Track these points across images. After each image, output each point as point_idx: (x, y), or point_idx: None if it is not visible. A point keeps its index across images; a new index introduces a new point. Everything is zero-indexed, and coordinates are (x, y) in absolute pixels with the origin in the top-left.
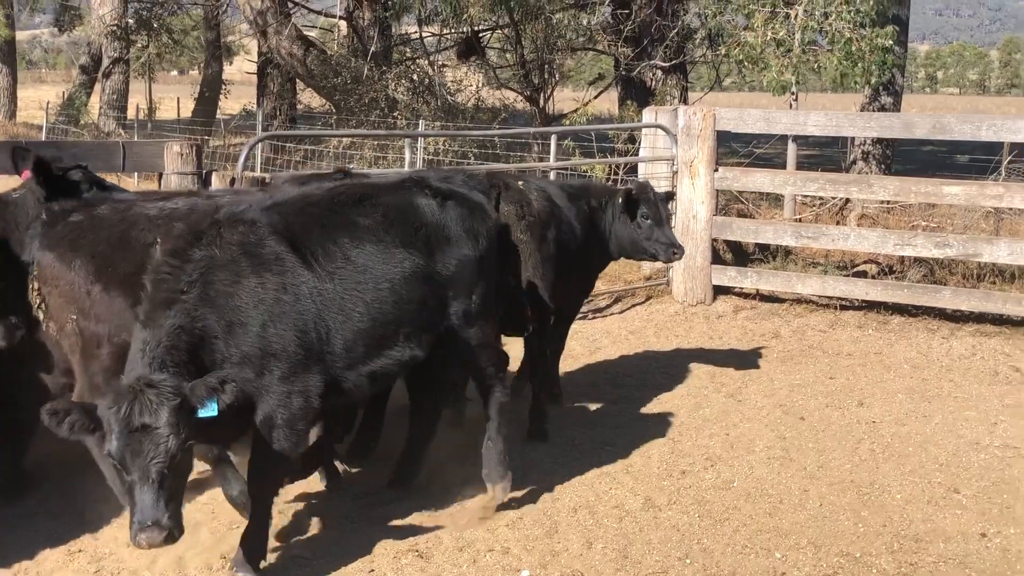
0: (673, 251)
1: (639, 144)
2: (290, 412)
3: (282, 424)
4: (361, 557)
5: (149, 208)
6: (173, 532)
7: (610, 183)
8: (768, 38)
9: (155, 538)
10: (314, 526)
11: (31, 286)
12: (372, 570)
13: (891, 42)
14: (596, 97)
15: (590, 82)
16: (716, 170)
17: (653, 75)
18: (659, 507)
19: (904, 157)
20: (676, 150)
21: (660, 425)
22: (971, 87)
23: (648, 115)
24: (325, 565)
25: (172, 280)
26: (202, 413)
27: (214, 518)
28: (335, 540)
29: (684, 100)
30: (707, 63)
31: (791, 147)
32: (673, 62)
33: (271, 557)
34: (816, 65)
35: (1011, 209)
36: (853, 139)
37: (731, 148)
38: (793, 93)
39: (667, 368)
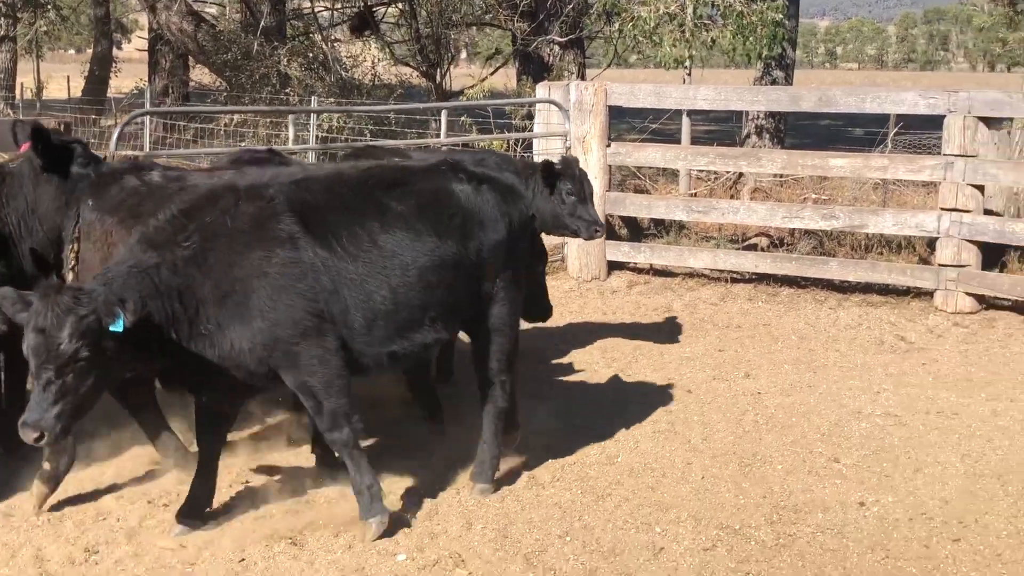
0: (595, 228)
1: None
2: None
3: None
4: (232, 544)
5: (205, 178)
6: (45, 434)
7: None
8: (661, 12)
9: (27, 435)
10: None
11: (70, 247)
12: (243, 559)
13: (781, 15)
14: (493, 73)
15: (487, 58)
16: (609, 145)
17: (550, 50)
18: (542, 484)
19: (801, 131)
20: (569, 126)
21: (548, 402)
22: (870, 62)
23: (541, 91)
24: (193, 554)
25: (171, 230)
26: (112, 327)
27: (79, 510)
28: (206, 527)
29: (582, 76)
30: (604, 39)
31: (685, 122)
32: (569, 37)
33: (136, 545)
34: (710, 40)
35: (896, 181)
36: (747, 114)
37: (631, 124)
38: (686, 68)
39: (559, 344)
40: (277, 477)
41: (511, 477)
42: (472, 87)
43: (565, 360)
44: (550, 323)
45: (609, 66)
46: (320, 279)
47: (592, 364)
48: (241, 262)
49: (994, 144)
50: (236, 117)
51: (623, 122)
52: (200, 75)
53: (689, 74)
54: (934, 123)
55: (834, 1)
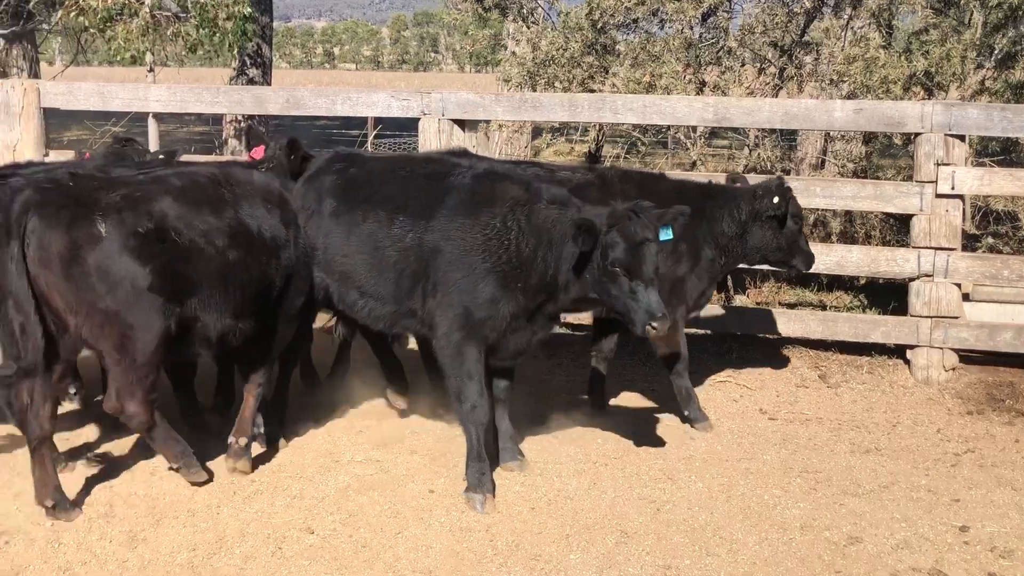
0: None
1: None
2: None
3: None
4: None
5: None
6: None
7: None
8: (112, 3)
9: (665, 326)
10: None
11: None
12: None
13: (249, 10)
14: None
15: None
16: (47, 154)
17: None
18: None
19: (300, 133)
20: None
21: None
22: (367, 63)
23: None
24: None
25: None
26: (663, 236)
27: None
28: None
29: (35, 73)
30: (62, 32)
31: (152, 124)
32: (13, 29)
33: None
34: (171, 34)
35: None
36: (225, 116)
37: (90, 127)
38: (148, 65)
39: None
40: None
41: None
42: None
43: None
44: None
45: (73, 63)
46: None
47: None
48: None
49: (473, 147)
50: None
51: (77, 125)
52: None
53: (150, 71)
54: None
55: (330, 3)
